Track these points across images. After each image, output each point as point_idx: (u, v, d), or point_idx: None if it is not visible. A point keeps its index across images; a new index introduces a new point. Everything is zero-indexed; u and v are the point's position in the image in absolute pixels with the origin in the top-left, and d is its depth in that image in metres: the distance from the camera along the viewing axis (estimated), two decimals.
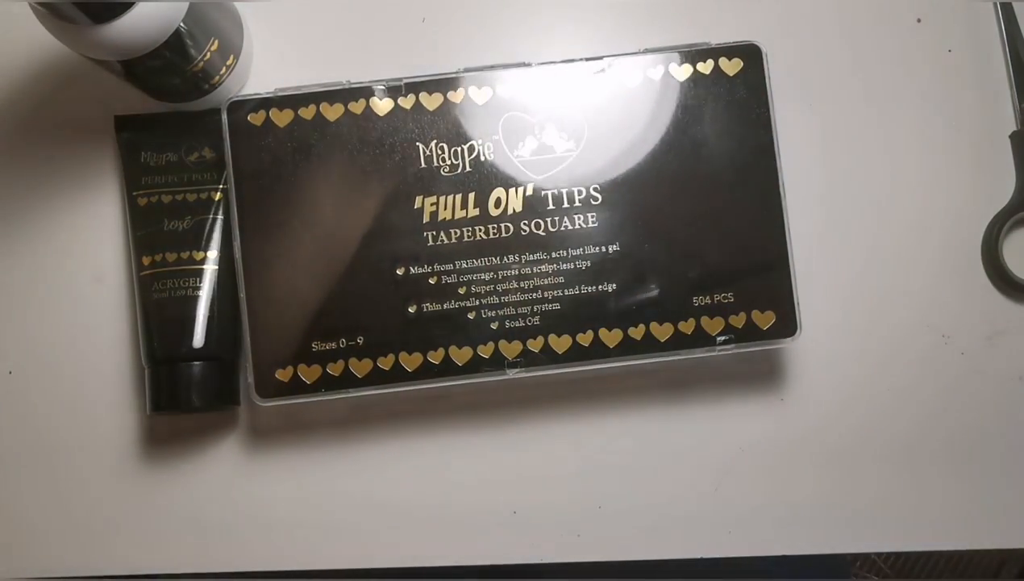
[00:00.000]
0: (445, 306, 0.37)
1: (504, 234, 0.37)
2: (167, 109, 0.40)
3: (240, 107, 0.37)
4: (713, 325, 0.38)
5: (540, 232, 0.38)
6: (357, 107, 0.37)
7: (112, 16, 0.31)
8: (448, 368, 0.37)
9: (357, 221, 0.37)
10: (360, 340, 0.37)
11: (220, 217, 0.39)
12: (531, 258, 0.37)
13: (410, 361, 0.37)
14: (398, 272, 0.37)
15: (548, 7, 0.42)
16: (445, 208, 0.37)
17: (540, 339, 0.37)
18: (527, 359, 0.37)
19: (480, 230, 0.37)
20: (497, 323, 0.37)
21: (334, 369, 0.37)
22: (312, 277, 0.37)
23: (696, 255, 0.38)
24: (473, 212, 0.37)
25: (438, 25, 0.42)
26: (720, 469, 0.41)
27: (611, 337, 0.37)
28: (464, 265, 0.37)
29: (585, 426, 0.41)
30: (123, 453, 0.40)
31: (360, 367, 0.37)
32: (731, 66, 0.38)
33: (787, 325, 0.38)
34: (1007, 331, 0.42)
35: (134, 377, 0.40)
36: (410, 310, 0.37)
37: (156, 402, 0.38)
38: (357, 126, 0.37)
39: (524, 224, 0.37)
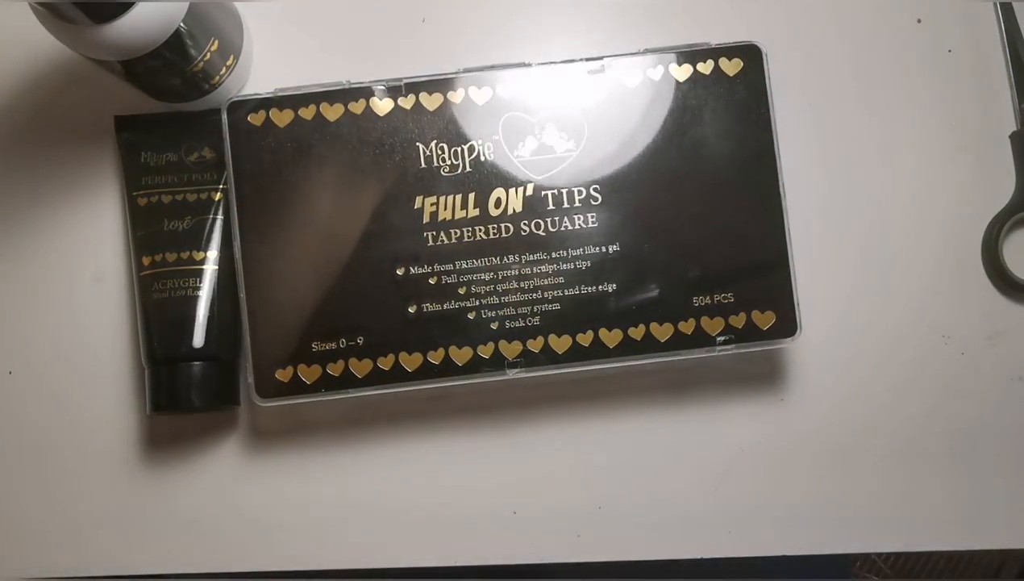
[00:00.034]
0: (445, 306, 0.37)
1: (504, 234, 0.37)
2: (167, 109, 0.40)
3: (240, 107, 0.37)
4: (713, 325, 0.38)
5: (540, 232, 0.37)
6: (357, 107, 0.37)
7: (112, 16, 0.31)
8: (448, 368, 0.37)
9: (357, 221, 0.37)
10: (360, 340, 0.37)
11: (220, 217, 0.39)
12: (531, 258, 0.37)
13: (410, 361, 0.37)
14: (398, 272, 0.37)
15: (548, 7, 0.42)
16: (445, 208, 0.37)
17: (540, 339, 0.37)
18: (527, 359, 0.37)
19: (480, 230, 0.37)
20: (497, 323, 0.37)
21: (334, 369, 0.37)
22: (312, 277, 0.37)
23: (696, 255, 0.38)
24: (473, 212, 0.37)
25: (438, 25, 0.42)
26: (720, 469, 0.41)
27: (611, 337, 0.37)
28: (464, 265, 0.37)
29: (585, 426, 0.41)
30: (123, 453, 0.40)
31: (360, 367, 0.37)
32: (731, 66, 0.38)
33: (787, 325, 0.38)
34: (1007, 331, 0.42)
35: (134, 377, 0.40)
36: (410, 310, 0.37)
37: (156, 402, 0.38)
38: (357, 126, 0.37)
39: (524, 224, 0.37)
